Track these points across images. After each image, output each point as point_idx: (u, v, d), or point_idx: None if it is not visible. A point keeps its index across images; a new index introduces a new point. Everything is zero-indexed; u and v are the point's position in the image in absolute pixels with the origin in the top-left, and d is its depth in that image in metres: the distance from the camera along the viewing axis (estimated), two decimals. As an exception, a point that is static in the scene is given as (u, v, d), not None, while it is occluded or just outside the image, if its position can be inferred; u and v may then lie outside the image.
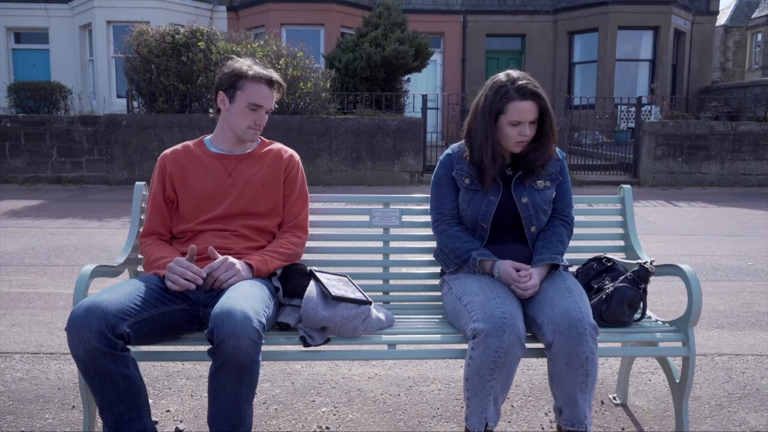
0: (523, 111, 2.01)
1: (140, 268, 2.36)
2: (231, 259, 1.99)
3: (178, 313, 1.92)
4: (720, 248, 5.64)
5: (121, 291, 1.81)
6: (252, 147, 2.27)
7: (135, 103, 10.96)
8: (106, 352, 1.66)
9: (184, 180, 2.17)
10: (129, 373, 1.72)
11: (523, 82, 2.02)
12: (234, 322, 1.65)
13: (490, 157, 2.07)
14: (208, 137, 2.29)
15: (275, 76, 2.19)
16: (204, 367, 2.78)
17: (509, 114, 2.03)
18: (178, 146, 2.26)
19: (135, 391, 1.74)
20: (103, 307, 1.69)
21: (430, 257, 2.43)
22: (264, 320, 1.76)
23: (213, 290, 1.97)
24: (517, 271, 2.03)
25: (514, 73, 2.07)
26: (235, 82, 2.14)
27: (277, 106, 2.27)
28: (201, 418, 2.33)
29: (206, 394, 2.51)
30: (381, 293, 2.45)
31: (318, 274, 2.04)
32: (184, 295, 1.96)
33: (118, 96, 14.94)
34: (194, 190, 2.16)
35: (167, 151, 2.25)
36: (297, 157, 2.32)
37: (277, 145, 2.31)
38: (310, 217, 2.39)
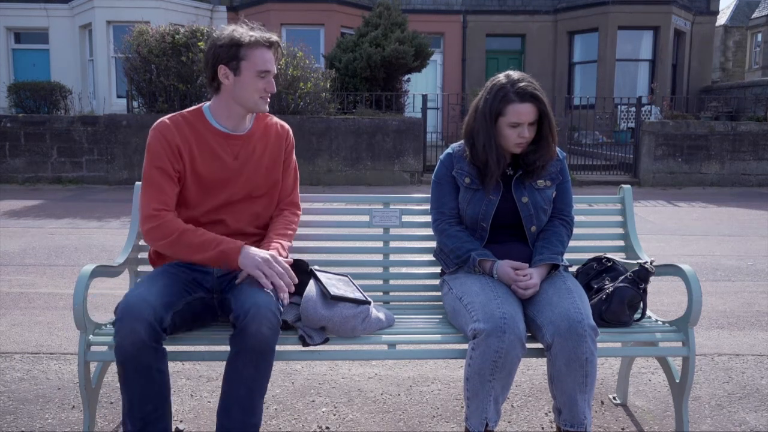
0: (522, 113, 2.01)
1: (140, 268, 2.35)
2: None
3: (198, 301, 1.96)
4: (720, 248, 5.64)
5: (156, 284, 1.83)
6: (250, 124, 2.13)
7: (135, 103, 10.96)
8: (150, 345, 1.69)
9: (192, 161, 2.01)
10: (163, 369, 1.75)
11: (523, 84, 2.02)
12: (258, 308, 1.73)
13: (495, 160, 2.07)
14: (206, 105, 2.10)
15: (273, 36, 2.05)
16: (204, 368, 2.78)
17: (508, 116, 2.03)
18: (176, 117, 2.04)
19: (165, 388, 1.76)
20: (152, 300, 1.73)
21: (430, 257, 2.42)
22: (280, 314, 1.83)
23: (227, 276, 2.00)
24: (515, 270, 2.03)
25: (514, 74, 2.07)
26: (236, 52, 1.96)
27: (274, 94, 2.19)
28: (201, 418, 2.33)
29: (206, 394, 2.51)
30: (381, 293, 2.45)
31: (318, 274, 2.04)
32: (199, 283, 1.98)
33: (118, 96, 14.94)
34: (201, 174, 2.02)
35: (165, 120, 2.02)
36: (288, 128, 2.22)
37: (272, 120, 2.19)
38: (310, 217, 2.40)
